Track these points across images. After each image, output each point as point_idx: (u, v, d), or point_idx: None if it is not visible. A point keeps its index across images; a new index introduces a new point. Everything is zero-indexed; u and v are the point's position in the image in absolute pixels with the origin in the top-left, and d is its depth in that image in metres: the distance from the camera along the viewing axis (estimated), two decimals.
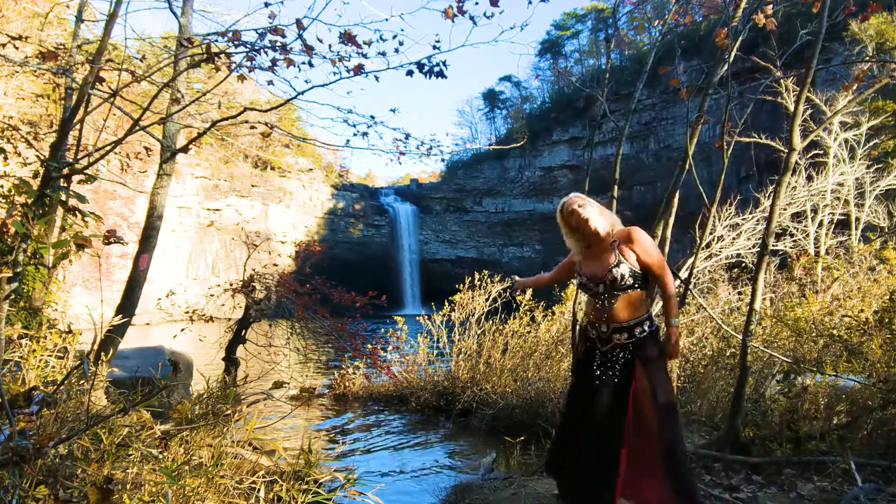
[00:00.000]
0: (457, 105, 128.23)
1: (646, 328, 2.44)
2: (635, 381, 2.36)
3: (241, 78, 3.93)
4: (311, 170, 40.87)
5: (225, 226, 34.16)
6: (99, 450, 2.51)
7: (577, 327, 2.72)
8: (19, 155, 5.51)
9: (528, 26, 4.00)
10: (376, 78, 3.77)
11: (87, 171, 3.10)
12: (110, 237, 2.70)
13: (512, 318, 7.10)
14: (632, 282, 2.41)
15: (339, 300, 8.30)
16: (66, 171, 3.16)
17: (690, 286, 4.11)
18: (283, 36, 3.37)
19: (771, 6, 3.92)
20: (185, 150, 4.26)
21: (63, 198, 2.78)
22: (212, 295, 8.56)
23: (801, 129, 3.82)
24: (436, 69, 3.67)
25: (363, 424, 6.36)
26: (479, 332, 7.12)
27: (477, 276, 7.50)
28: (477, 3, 3.52)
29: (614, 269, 2.40)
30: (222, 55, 3.34)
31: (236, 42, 3.36)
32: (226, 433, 3.17)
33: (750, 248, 8.25)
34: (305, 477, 3.00)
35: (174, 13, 5.01)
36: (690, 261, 4.39)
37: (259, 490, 2.69)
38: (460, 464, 4.84)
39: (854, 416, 3.62)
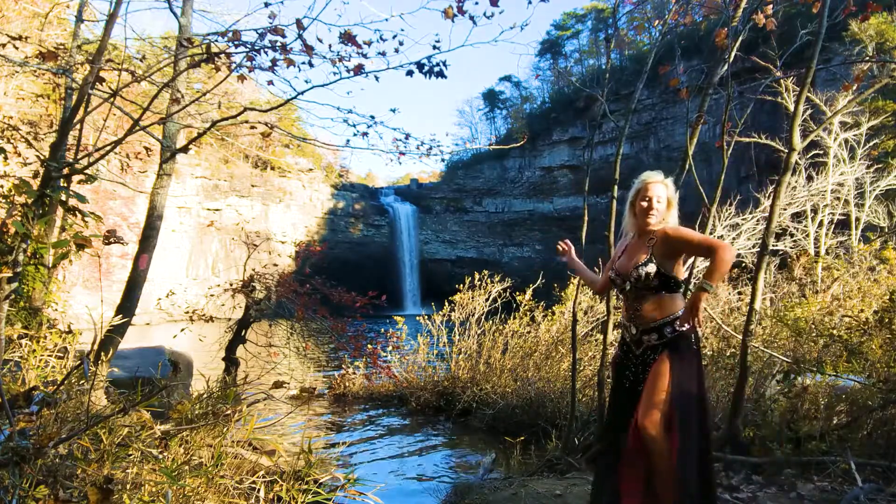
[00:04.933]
0: (457, 105, 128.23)
1: (676, 327, 2.28)
2: (655, 364, 2.24)
3: (241, 78, 3.93)
4: (311, 170, 40.87)
5: (225, 226, 34.16)
6: (99, 450, 2.51)
7: (612, 328, 2.64)
8: (19, 155, 5.51)
9: (528, 26, 4.00)
10: (376, 78, 3.77)
11: (87, 171, 3.10)
12: (110, 237, 2.70)
13: (512, 318, 7.10)
14: (658, 283, 2.30)
15: (339, 300, 8.28)
16: (66, 171, 3.16)
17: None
18: (283, 36, 3.37)
19: (771, 6, 3.92)
20: (185, 150, 4.26)
21: (63, 198, 2.78)
22: (212, 295, 8.54)
23: (801, 129, 3.82)
24: (436, 69, 3.67)
25: (363, 424, 6.36)
26: (479, 332, 7.12)
27: (477, 276, 7.50)
28: (477, 3, 3.52)
29: (640, 267, 2.30)
30: (222, 55, 3.34)
31: (236, 42, 3.36)
32: (226, 433, 3.17)
33: (750, 248, 8.26)
34: (305, 477, 3.00)
35: (174, 13, 5.01)
36: (690, 261, 4.39)
37: (259, 490, 2.69)
38: (460, 464, 4.85)
39: (854, 416, 3.62)
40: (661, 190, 2.39)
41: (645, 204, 2.38)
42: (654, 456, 2.17)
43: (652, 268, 2.29)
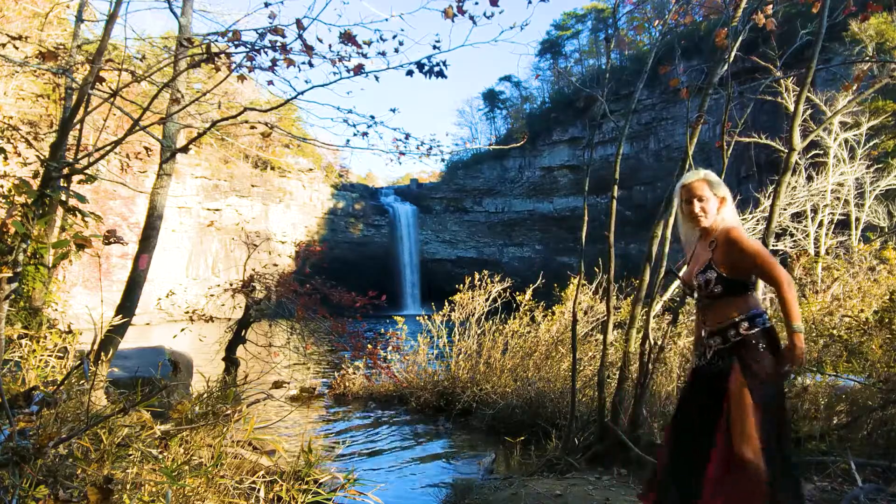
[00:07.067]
0: (457, 105, 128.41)
1: (741, 330, 2.17)
2: (729, 381, 2.15)
3: (241, 78, 3.93)
4: (311, 170, 40.87)
5: (225, 226, 34.16)
6: (99, 450, 2.51)
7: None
8: (19, 155, 5.50)
9: (528, 26, 4.00)
10: (376, 78, 3.77)
11: (87, 171, 3.10)
12: (110, 237, 2.70)
13: (512, 318, 7.10)
14: (721, 290, 2.20)
15: (339, 300, 8.29)
16: (66, 171, 3.16)
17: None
18: (283, 36, 3.37)
19: (771, 6, 3.92)
20: (185, 150, 4.26)
21: (63, 198, 2.78)
22: (212, 295, 8.55)
23: (801, 129, 3.82)
24: (436, 69, 3.67)
25: (363, 424, 6.36)
26: (479, 332, 7.12)
27: (477, 276, 7.50)
28: (477, 3, 3.52)
29: (700, 275, 2.23)
30: (222, 55, 3.34)
31: (236, 42, 3.35)
32: (226, 433, 3.17)
33: None
34: (305, 477, 3.00)
35: (174, 13, 5.01)
36: None
37: (259, 490, 2.69)
38: (460, 464, 4.84)
39: (854, 416, 3.62)
40: (702, 189, 2.29)
41: (688, 207, 2.32)
42: (748, 473, 2.06)
43: (712, 275, 2.20)
